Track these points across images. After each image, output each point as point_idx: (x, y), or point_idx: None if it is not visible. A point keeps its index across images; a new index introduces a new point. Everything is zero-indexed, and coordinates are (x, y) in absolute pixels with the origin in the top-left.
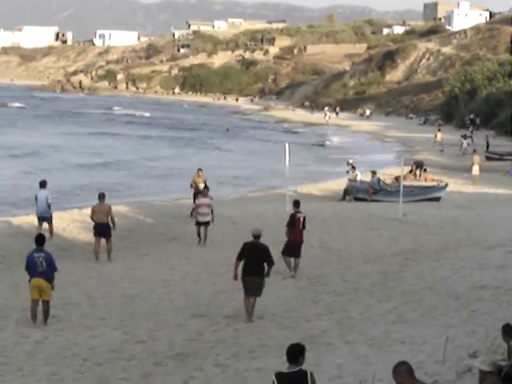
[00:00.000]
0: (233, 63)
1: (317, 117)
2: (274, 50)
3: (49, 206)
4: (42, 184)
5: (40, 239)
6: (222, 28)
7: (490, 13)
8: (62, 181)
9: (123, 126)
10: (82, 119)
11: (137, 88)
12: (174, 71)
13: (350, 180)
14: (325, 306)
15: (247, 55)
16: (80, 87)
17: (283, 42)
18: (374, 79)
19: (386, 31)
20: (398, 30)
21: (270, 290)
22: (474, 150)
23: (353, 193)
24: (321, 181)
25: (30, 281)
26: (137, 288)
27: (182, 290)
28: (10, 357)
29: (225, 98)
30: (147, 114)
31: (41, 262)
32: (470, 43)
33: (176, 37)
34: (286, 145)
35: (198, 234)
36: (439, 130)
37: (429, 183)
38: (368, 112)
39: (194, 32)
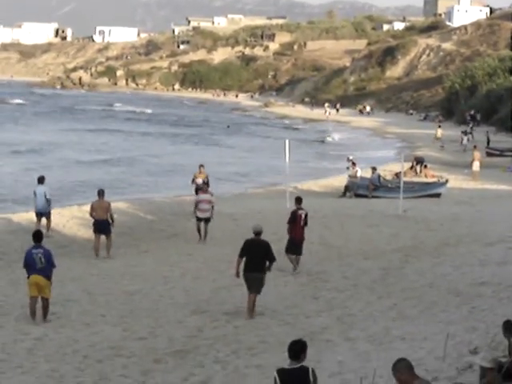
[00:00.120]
0: (233, 59)
1: (317, 113)
2: (273, 46)
3: (49, 201)
4: (40, 180)
5: (38, 235)
6: (221, 24)
7: (491, 8)
8: (62, 177)
9: (123, 122)
10: (83, 116)
11: (136, 84)
12: (174, 67)
13: (350, 176)
14: (325, 303)
15: (247, 51)
16: (80, 84)
17: (283, 38)
18: (374, 75)
19: (386, 27)
20: (399, 25)
21: (271, 286)
22: (475, 146)
23: (353, 189)
24: (321, 177)
25: (28, 278)
26: (137, 285)
27: (182, 286)
28: (10, 354)
29: (225, 94)
30: (149, 111)
31: (39, 259)
32: (470, 39)
33: (176, 33)
34: (286, 141)
35: (198, 231)
36: (439, 126)
37: (429, 179)
38: (368, 108)
39: (194, 28)
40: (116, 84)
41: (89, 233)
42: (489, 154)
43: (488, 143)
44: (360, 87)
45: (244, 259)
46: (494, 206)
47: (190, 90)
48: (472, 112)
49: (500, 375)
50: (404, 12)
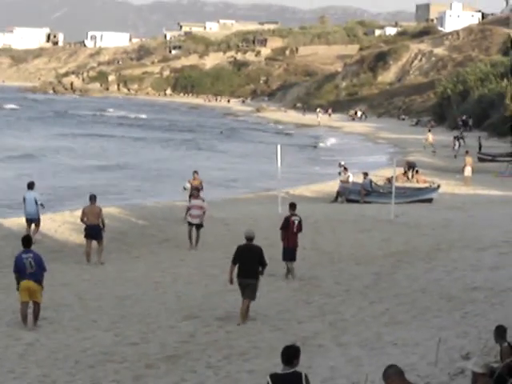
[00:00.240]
0: (224, 64)
1: (309, 118)
2: (265, 52)
3: (42, 206)
4: (30, 185)
5: (27, 240)
6: (213, 29)
7: (482, 14)
8: (54, 182)
9: (116, 127)
10: (75, 121)
11: (128, 89)
12: (166, 72)
13: (342, 181)
14: (317, 308)
15: (239, 56)
16: (71, 89)
17: (275, 43)
18: (366, 80)
19: (378, 32)
20: (390, 31)
21: (263, 291)
22: (467, 152)
23: (345, 194)
24: (313, 182)
25: (18, 283)
26: (129, 290)
27: (174, 291)
28: (1, 359)
29: (216, 99)
30: (141, 116)
31: (30, 263)
32: (462, 44)
33: (167, 38)
34: (278, 146)
35: (190, 238)
36: (429, 130)
37: (421, 185)
38: (359, 113)
39: (186, 33)
40: (108, 89)
41: (80, 238)
42: (481, 160)
43: (480, 148)
44: (352, 92)
45: (237, 265)
46: (486, 212)
47: (181, 95)
48: (464, 117)
49: (492, 380)
50: (396, 17)
